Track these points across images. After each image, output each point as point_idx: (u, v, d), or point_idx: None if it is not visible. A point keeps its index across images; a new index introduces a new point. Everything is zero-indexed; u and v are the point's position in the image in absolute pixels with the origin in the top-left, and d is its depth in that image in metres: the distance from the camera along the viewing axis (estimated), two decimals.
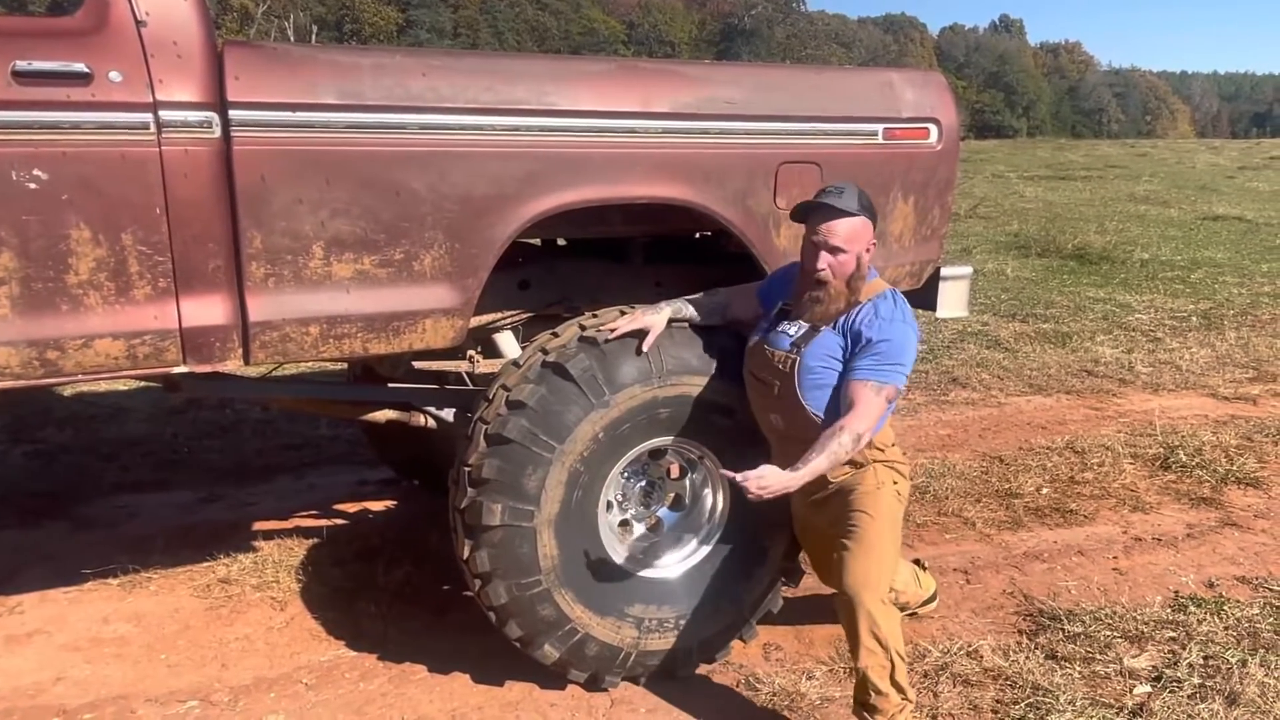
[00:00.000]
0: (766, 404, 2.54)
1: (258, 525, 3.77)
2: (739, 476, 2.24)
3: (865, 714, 2.39)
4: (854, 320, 2.42)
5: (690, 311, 2.66)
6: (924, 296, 3.27)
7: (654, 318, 2.57)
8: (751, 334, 2.61)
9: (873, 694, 2.35)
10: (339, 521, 3.82)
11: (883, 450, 2.51)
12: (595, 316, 2.65)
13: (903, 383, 2.42)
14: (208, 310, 2.26)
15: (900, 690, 2.36)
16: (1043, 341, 6.88)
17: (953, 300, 3.30)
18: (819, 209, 2.39)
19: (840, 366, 2.42)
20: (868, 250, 2.42)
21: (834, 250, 2.36)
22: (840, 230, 2.36)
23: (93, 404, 5.14)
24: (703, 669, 2.82)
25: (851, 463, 2.45)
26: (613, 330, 2.54)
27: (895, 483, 2.51)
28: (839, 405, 2.42)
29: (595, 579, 2.62)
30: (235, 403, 5.08)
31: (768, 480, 2.25)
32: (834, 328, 2.44)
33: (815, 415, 2.44)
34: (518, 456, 2.45)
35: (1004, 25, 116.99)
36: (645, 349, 2.54)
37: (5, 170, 2.02)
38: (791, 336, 2.47)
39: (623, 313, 2.62)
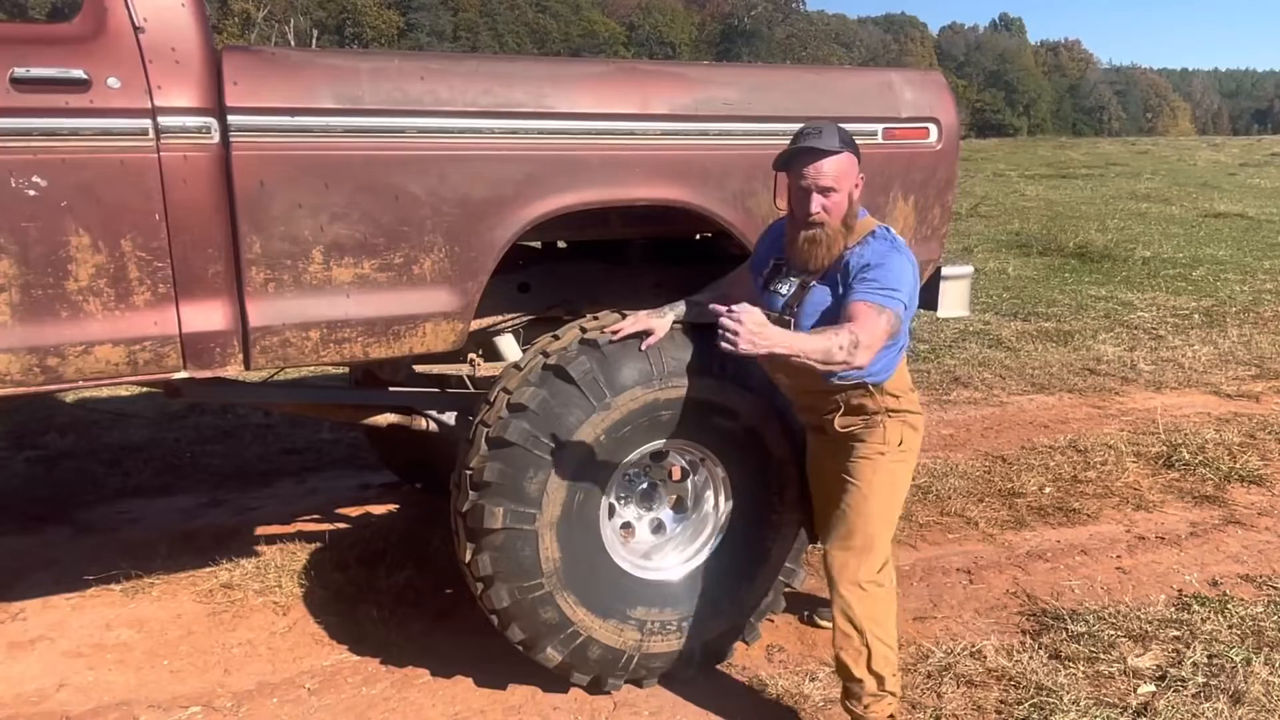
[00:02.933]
0: (771, 365, 2.46)
1: (260, 530, 3.77)
2: (724, 317, 1.94)
3: (847, 701, 2.41)
4: (843, 265, 2.29)
5: (693, 311, 2.62)
6: (925, 296, 3.26)
7: (656, 321, 2.56)
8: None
9: (847, 679, 2.36)
10: (341, 525, 3.82)
11: (897, 397, 2.39)
12: (596, 319, 2.64)
13: (901, 310, 2.22)
14: (208, 316, 2.26)
15: (878, 679, 2.34)
16: (1045, 340, 6.87)
17: (954, 300, 3.30)
18: (801, 153, 2.28)
19: (836, 311, 2.29)
20: (856, 186, 2.32)
21: (825, 191, 2.26)
22: (827, 169, 2.25)
23: (94, 410, 5.14)
24: (705, 671, 2.82)
25: (862, 412, 2.38)
26: (615, 332, 2.53)
27: (901, 442, 2.40)
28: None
29: (597, 581, 2.61)
30: (236, 408, 5.09)
31: (746, 322, 1.92)
32: (823, 279, 2.33)
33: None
34: (519, 459, 2.45)
35: (1004, 24, 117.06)
36: (645, 349, 2.52)
37: (4, 177, 2.02)
38: (784, 296, 2.39)
39: (624, 316, 2.61)
